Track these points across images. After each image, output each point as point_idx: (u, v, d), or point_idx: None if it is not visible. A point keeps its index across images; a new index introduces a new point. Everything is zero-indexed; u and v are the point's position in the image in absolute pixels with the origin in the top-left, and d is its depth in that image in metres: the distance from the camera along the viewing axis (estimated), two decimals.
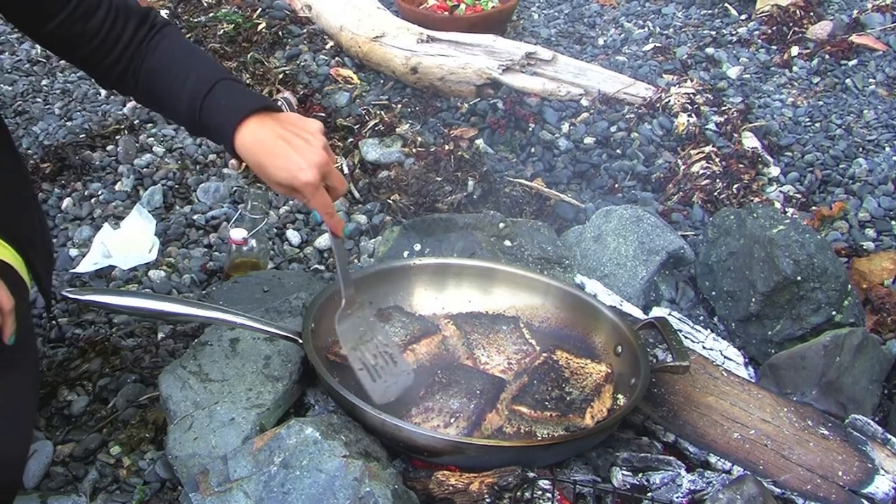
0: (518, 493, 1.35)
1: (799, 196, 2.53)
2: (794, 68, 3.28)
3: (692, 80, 3.05)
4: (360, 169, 2.61)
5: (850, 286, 1.92)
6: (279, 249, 2.30)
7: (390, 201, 2.45)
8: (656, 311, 1.96)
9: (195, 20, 3.44)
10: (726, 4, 3.85)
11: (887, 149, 2.76)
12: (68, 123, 2.84)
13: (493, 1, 3.52)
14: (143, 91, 1.48)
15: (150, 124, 2.80)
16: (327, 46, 3.30)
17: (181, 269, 2.19)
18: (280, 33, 3.32)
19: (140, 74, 1.45)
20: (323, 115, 2.81)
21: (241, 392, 1.57)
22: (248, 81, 2.98)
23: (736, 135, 2.74)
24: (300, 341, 1.56)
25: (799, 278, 1.85)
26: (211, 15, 3.47)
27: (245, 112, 1.38)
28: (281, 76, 2.99)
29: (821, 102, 3.06)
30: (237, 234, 2.06)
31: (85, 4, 1.38)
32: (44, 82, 3.13)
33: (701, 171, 2.54)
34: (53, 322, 1.96)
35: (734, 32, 3.58)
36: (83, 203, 2.46)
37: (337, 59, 3.23)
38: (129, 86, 1.48)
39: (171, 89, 1.44)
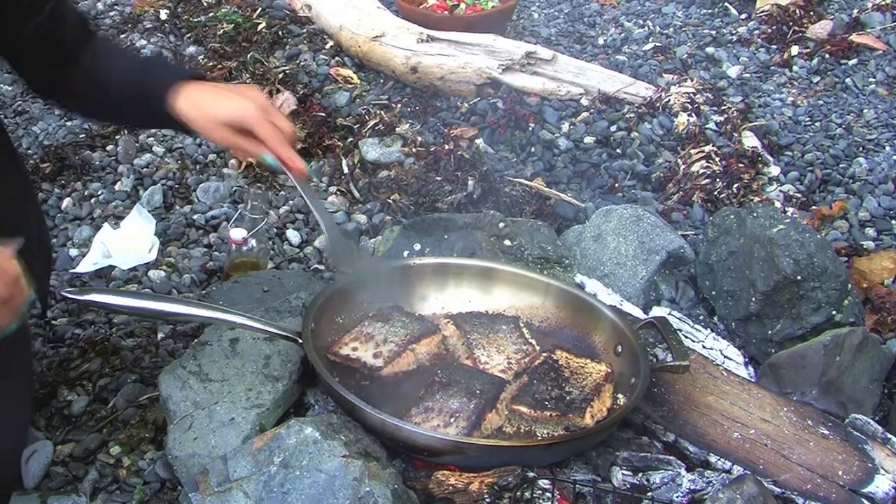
0: (518, 493, 1.35)
1: (799, 195, 2.53)
2: (794, 67, 3.28)
3: (692, 80, 3.05)
4: (360, 168, 2.61)
5: (850, 285, 1.92)
6: (279, 249, 2.30)
7: (390, 201, 2.45)
8: (656, 311, 1.96)
9: (195, 20, 3.43)
10: (726, 4, 3.85)
11: (887, 148, 2.76)
12: (68, 123, 2.84)
13: (493, 0, 3.52)
14: (82, 93, 1.50)
15: None
16: (327, 46, 3.29)
17: (181, 269, 2.19)
18: (280, 33, 3.32)
19: (79, 74, 1.47)
20: (323, 114, 2.81)
21: (240, 392, 1.57)
22: (248, 81, 2.98)
23: (736, 134, 2.74)
24: (300, 341, 1.56)
25: (799, 278, 1.85)
26: (211, 15, 3.46)
27: (184, 74, 1.44)
28: (281, 76, 2.99)
29: (821, 102, 3.05)
30: (237, 233, 2.06)
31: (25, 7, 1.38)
32: None
33: (701, 171, 2.54)
34: (50, 325, 1.95)
35: (734, 32, 3.58)
36: (83, 203, 2.46)
37: (337, 58, 3.23)
38: (67, 88, 1.49)
39: (118, 78, 1.48)
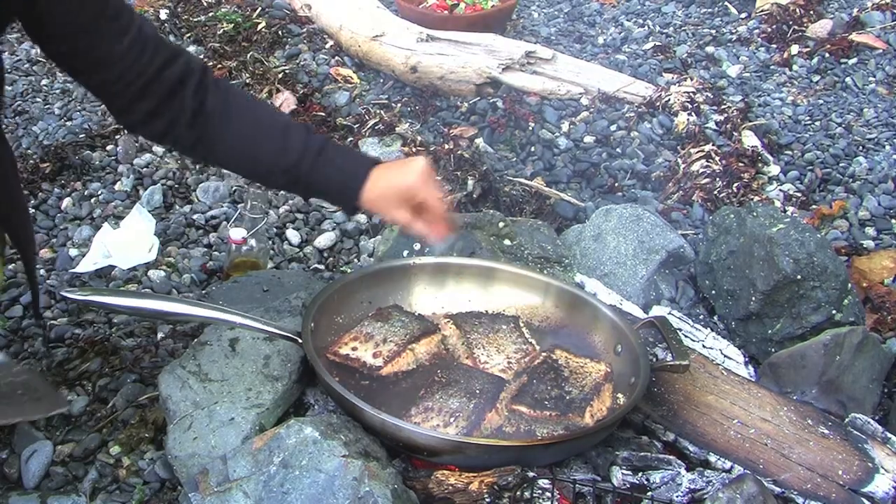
0: (518, 493, 1.35)
1: (799, 195, 2.53)
2: (794, 67, 3.28)
3: (692, 79, 3.05)
4: None
5: (849, 285, 1.92)
6: (279, 249, 2.29)
7: None
8: (656, 310, 1.96)
9: (195, 20, 3.43)
10: (726, 3, 3.85)
11: (887, 147, 2.76)
12: (68, 123, 2.84)
13: (493, 0, 3.51)
14: (194, 137, 1.46)
15: None
16: (327, 46, 3.29)
17: (181, 269, 2.19)
18: (280, 33, 3.32)
19: (199, 119, 1.44)
20: (323, 114, 2.81)
21: (240, 392, 1.57)
22: (247, 81, 2.99)
23: (736, 133, 2.74)
24: (300, 341, 1.56)
25: (799, 277, 1.84)
26: (211, 14, 3.46)
27: (367, 169, 1.53)
28: (281, 76, 2.99)
29: (821, 101, 3.05)
30: (237, 233, 2.06)
31: (109, 27, 1.35)
32: (43, 82, 3.13)
33: (701, 170, 2.54)
34: (49, 325, 1.95)
35: (734, 31, 3.58)
36: (83, 203, 2.46)
37: (336, 58, 3.23)
38: (161, 128, 1.45)
39: (254, 142, 1.48)
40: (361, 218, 2.41)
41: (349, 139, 2.70)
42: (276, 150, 1.49)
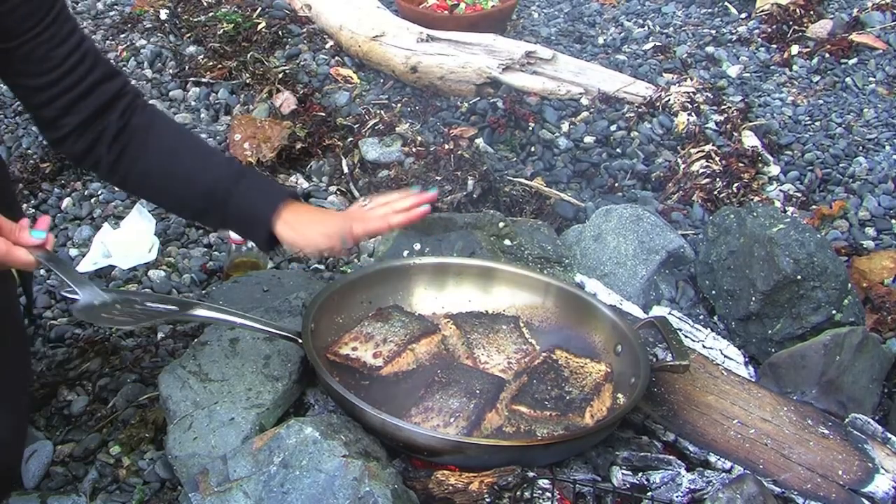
0: (518, 493, 1.35)
1: (799, 195, 2.53)
2: (794, 67, 3.28)
3: (692, 79, 3.05)
4: (360, 168, 2.61)
5: (850, 285, 1.92)
6: (279, 249, 2.29)
7: None
8: (656, 310, 1.96)
9: (195, 20, 3.43)
10: (726, 3, 3.85)
11: (887, 147, 2.76)
12: None
13: (493, 0, 3.52)
14: (115, 154, 1.45)
15: None
16: (327, 46, 3.29)
17: (181, 269, 2.19)
18: (280, 33, 3.32)
19: (122, 136, 1.44)
20: (323, 114, 2.81)
21: (240, 392, 1.57)
22: (247, 81, 2.98)
23: (736, 133, 2.74)
24: (300, 341, 1.56)
25: (799, 277, 1.85)
26: (211, 14, 3.46)
27: (282, 198, 1.52)
28: (281, 76, 2.99)
29: (821, 101, 3.05)
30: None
31: (52, 30, 1.36)
32: None
33: (701, 170, 2.54)
34: (49, 325, 1.95)
35: (734, 31, 3.58)
36: (83, 203, 2.46)
37: (337, 58, 3.23)
38: (84, 147, 1.45)
39: (175, 159, 1.48)
40: None
41: (349, 139, 2.70)
42: (196, 168, 1.49)
